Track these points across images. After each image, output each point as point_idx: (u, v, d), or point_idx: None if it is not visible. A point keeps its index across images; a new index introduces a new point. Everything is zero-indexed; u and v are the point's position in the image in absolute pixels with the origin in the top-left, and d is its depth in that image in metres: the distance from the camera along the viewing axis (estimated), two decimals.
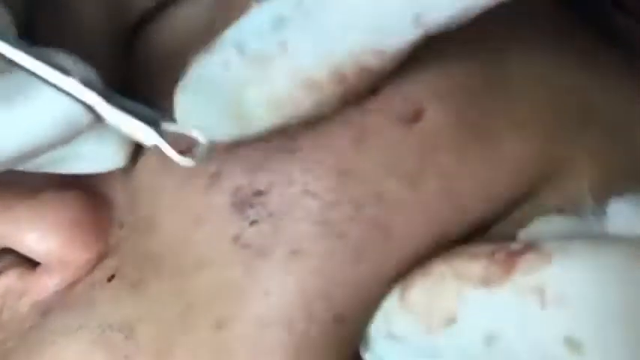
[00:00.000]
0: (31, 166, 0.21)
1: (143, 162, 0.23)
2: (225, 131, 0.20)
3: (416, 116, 0.21)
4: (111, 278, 0.22)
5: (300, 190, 0.20)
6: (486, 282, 0.19)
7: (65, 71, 0.19)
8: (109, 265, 0.23)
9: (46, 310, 0.23)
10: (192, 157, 0.20)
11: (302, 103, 0.20)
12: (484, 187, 0.21)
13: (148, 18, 0.26)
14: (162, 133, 0.20)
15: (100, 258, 0.23)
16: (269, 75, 0.19)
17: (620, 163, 0.23)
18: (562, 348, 0.17)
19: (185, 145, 0.20)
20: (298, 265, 0.20)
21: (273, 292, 0.20)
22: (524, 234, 0.21)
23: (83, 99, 0.19)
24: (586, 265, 0.18)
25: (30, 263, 0.23)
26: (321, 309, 0.20)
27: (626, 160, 0.23)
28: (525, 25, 0.23)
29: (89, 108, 0.19)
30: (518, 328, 0.18)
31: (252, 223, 0.21)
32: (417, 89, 0.21)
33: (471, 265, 0.19)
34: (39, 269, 0.23)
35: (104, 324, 0.21)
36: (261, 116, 0.20)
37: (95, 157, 0.22)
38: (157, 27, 0.26)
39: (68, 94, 0.19)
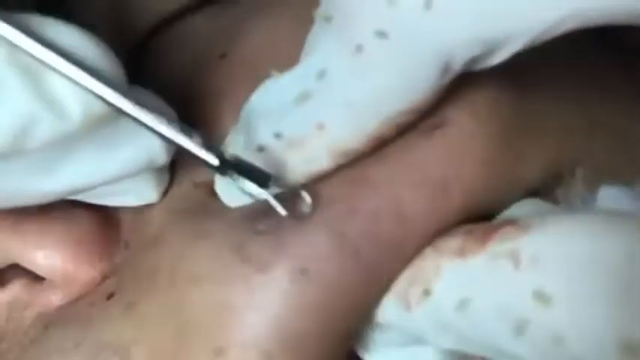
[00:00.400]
0: (79, 197, 0.22)
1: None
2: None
3: (438, 124, 0.20)
4: (110, 296, 0.22)
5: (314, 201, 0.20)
6: (462, 253, 0.19)
7: (189, 133, 0.20)
8: (109, 283, 0.23)
9: (47, 324, 0.23)
10: (299, 212, 0.20)
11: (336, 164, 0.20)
12: (499, 195, 0.21)
13: (155, 32, 0.27)
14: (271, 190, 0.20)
15: (104, 277, 0.23)
16: (307, 154, 0.20)
17: (616, 162, 0.23)
18: (531, 302, 0.17)
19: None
20: (308, 285, 0.19)
21: (282, 316, 0.19)
22: (507, 213, 0.21)
23: (202, 156, 0.20)
24: (560, 230, 0.18)
25: (35, 275, 0.24)
26: (332, 333, 0.19)
27: (623, 159, 0.23)
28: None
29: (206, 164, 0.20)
30: (490, 291, 0.18)
31: (258, 233, 0.20)
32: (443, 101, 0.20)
33: (448, 240, 0.19)
34: (44, 283, 0.24)
35: (99, 344, 0.21)
36: (297, 179, 0.20)
37: (136, 191, 0.23)
38: (161, 45, 0.27)
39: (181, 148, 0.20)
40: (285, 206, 0.20)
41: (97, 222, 0.24)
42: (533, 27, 0.17)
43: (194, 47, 0.26)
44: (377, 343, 0.21)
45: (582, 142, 0.23)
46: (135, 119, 0.19)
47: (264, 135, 0.20)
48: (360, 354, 0.21)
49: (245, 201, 0.21)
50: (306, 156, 0.20)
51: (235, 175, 0.20)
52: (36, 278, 0.24)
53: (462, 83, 0.20)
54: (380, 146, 0.20)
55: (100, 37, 0.19)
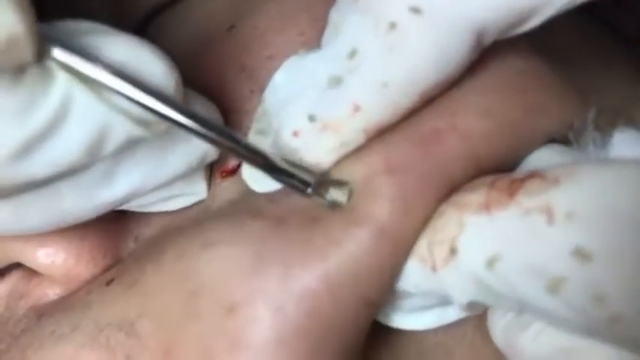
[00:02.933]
0: (132, 205, 0.22)
1: None
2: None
3: None
4: (110, 282, 0.22)
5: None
6: (487, 207, 0.18)
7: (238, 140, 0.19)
8: (110, 272, 0.22)
9: (40, 314, 0.22)
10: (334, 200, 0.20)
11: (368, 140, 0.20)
12: (511, 148, 0.20)
13: (155, 14, 0.26)
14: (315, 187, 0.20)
15: (106, 270, 0.23)
16: (344, 136, 0.19)
17: (628, 105, 0.23)
18: (570, 259, 0.16)
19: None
20: (317, 232, 0.19)
21: (293, 270, 0.18)
22: (525, 162, 0.20)
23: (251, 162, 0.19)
24: (594, 182, 0.17)
25: None
26: (348, 294, 0.18)
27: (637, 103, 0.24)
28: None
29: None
30: (522, 247, 0.17)
31: (271, 200, 0.20)
32: None
33: (470, 195, 0.18)
34: (42, 276, 0.23)
35: (101, 323, 0.20)
36: (332, 161, 0.20)
37: (187, 191, 0.22)
38: (165, 24, 0.26)
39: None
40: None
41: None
42: None
43: (200, 23, 0.26)
44: (400, 309, 0.21)
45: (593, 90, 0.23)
46: (189, 129, 0.19)
47: (297, 119, 0.20)
48: (383, 321, 0.21)
49: (272, 186, 0.21)
50: (342, 139, 0.19)
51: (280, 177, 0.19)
52: (35, 270, 0.23)
53: None
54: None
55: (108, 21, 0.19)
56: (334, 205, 0.19)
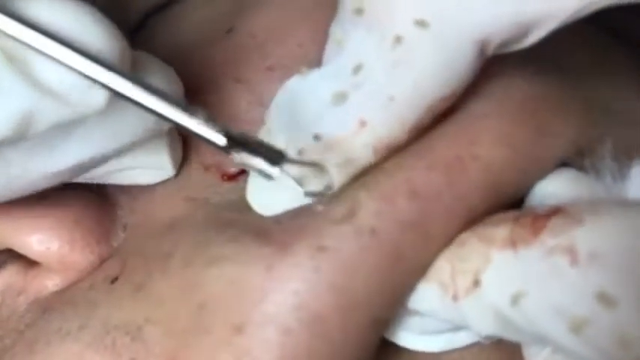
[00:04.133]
0: (88, 177, 0.21)
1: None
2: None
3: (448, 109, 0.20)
4: (114, 280, 0.21)
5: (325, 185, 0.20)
6: (513, 244, 0.18)
7: (193, 112, 0.18)
8: (111, 266, 0.22)
9: (45, 308, 0.22)
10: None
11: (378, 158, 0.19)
12: (526, 173, 0.20)
13: (151, 15, 0.26)
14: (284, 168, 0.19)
15: (102, 260, 0.22)
16: (350, 153, 0.19)
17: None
18: (594, 303, 0.17)
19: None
20: (326, 262, 0.18)
21: (301, 292, 0.18)
22: (539, 188, 0.21)
23: (207, 136, 0.19)
24: (619, 225, 0.17)
25: (29, 260, 0.23)
26: (357, 313, 0.18)
27: None
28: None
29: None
30: (545, 287, 0.17)
31: (279, 222, 0.20)
32: None
33: (496, 229, 0.19)
34: (39, 267, 0.23)
35: (108, 325, 0.20)
36: (341, 180, 0.20)
37: (152, 166, 0.22)
38: (161, 24, 0.26)
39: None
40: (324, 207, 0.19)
41: (94, 204, 0.23)
42: (567, 7, 0.17)
43: (198, 24, 0.25)
44: (410, 328, 0.20)
45: (604, 115, 0.23)
46: (133, 102, 0.18)
47: (302, 137, 0.19)
48: (391, 339, 0.21)
49: (280, 209, 0.20)
50: (349, 155, 0.19)
51: (245, 155, 0.18)
52: (30, 263, 0.23)
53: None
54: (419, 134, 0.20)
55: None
56: (311, 195, 0.19)
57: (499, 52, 0.19)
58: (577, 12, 0.18)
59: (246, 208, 0.21)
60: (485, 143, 0.20)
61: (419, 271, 0.19)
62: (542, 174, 0.21)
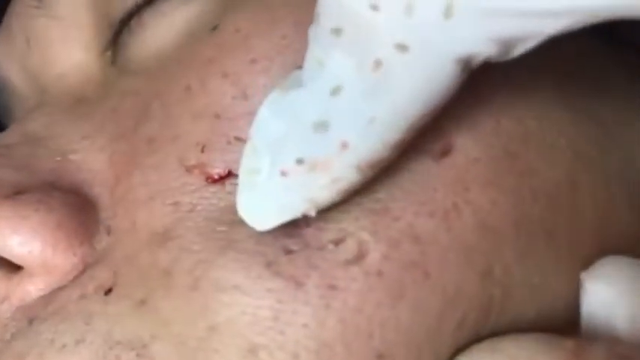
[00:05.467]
0: None
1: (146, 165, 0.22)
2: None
3: (445, 151, 0.21)
4: (108, 292, 0.21)
5: (337, 228, 0.20)
6: None
7: None
8: (101, 275, 0.22)
9: (31, 317, 0.22)
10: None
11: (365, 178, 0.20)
12: (518, 216, 0.21)
13: (134, 14, 0.25)
14: None
15: (86, 264, 0.22)
16: (334, 174, 0.19)
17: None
18: None
19: None
20: (335, 300, 0.19)
21: (311, 325, 0.19)
22: (588, 276, 0.21)
23: None
24: None
25: (11, 266, 0.22)
26: (362, 347, 0.19)
27: None
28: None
29: None
30: None
31: (288, 252, 0.20)
32: (446, 123, 0.21)
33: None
34: (21, 273, 0.22)
35: (110, 340, 0.20)
36: (325, 200, 0.20)
37: None
38: (147, 21, 0.25)
39: None
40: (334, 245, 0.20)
41: (74, 204, 0.22)
42: (546, 29, 0.17)
43: (183, 22, 0.25)
44: None
45: (597, 150, 0.23)
46: None
47: (285, 160, 0.19)
48: None
49: (272, 224, 0.20)
50: (332, 176, 0.19)
51: None
52: (11, 269, 0.22)
53: (465, 103, 0.20)
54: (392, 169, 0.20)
55: None
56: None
57: (485, 63, 0.19)
58: (562, 28, 0.17)
59: (237, 220, 0.21)
60: (477, 189, 0.20)
61: (419, 308, 0.20)
62: (528, 209, 0.21)
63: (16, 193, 0.22)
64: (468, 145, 0.21)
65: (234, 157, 0.21)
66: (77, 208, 0.22)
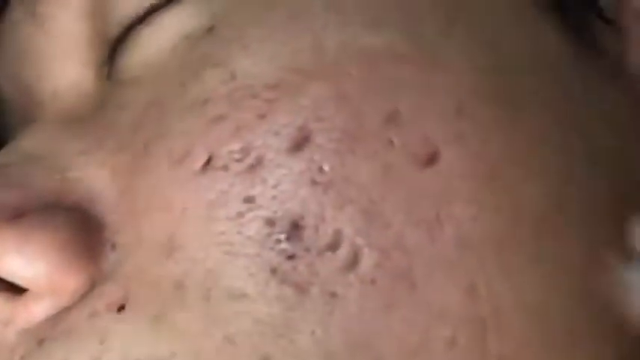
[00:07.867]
0: None
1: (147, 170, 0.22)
2: None
3: (431, 159, 0.21)
4: (121, 309, 0.21)
5: (333, 230, 0.20)
6: None
7: None
8: (111, 292, 0.21)
9: (40, 339, 0.21)
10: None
11: None
12: (500, 235, 0.21)
13: (130, 29, 0.25)
14: None
15: (93, 282, 0.22)
16: None
17: None
18: None
19: None
20: (337, 307, 0.20)
21: (316, 333, 0.20)
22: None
23: None
24: None
25: (13, 288, 0.22)
26: (364, 356, 0.20)
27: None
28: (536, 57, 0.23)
29: None
30: None
31: (290, 257, 0.20)
32: (434, 132, 0.21)
33: None
34: (26, 295, 0.22)
35: (128, 358, 0.20)
36: None
37: None
38: (143, 32, 0.25)
39: None
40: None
41: (78, 224, 0.22)
42: None
43: (179, 32, 0.24)
44: None
45: (584, 167, 0.23)
46: None
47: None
48: None
49: None
50: None
51: None
52: (15, 290, 0.22)
53: (453, 117, 0.21)
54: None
55: None
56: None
57: None
58: None
59: (232, 215, 0.21)
60: (458, 203, 0.21)
61: (406, 317, 0.20)
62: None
63: (18, 215, 0.22)
64: (454, 158, 0.21)
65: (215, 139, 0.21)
66: (81, 226, 0.22)
